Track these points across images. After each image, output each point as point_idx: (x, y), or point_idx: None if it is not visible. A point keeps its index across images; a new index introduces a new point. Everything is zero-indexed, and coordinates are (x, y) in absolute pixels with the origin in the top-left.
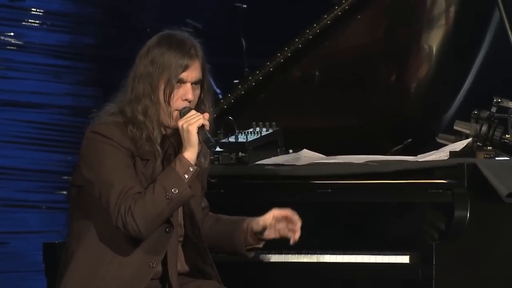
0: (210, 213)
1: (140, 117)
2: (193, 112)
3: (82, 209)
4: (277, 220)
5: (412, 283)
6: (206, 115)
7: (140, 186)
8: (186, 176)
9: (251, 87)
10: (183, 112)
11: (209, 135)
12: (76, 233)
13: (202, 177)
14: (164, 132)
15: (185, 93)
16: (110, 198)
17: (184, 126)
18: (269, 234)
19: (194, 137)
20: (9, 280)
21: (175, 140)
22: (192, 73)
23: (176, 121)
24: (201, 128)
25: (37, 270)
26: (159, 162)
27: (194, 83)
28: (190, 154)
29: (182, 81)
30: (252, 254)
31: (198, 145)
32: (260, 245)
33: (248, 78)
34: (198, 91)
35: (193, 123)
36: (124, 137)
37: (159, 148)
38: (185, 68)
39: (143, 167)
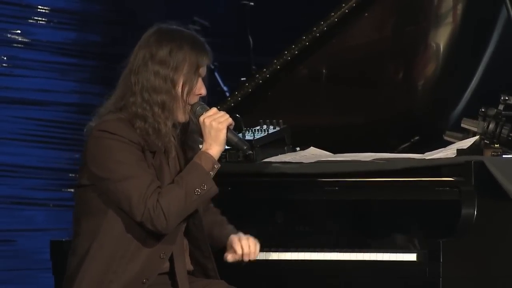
0: (214, 208)
1: (157, 110)
2: (214, 109)
3: (91, 207)
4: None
5: (419, 281)
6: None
7: (157, 179)
8: (211, 173)
9: (258, 85)
10: (199, 109)
11: (240, 137)
12: (87, 232)
13: None
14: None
15: (200, 88)
16: (132, 193)
17: (214, 124)
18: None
19: (223, 136)
20: (17, 278)
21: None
22: (205, 68)
23: (188, 115)
24: (228, 127)
25: (44, 268)
26: (174, 154)
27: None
28: (215, 151)
29: (199, 76)
30: None
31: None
32: None
33: (255, 76)
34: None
35: (223, 122)
36: (132, 132)
37: (173, 139)
38: (204, 63)
39: (152, 159)
